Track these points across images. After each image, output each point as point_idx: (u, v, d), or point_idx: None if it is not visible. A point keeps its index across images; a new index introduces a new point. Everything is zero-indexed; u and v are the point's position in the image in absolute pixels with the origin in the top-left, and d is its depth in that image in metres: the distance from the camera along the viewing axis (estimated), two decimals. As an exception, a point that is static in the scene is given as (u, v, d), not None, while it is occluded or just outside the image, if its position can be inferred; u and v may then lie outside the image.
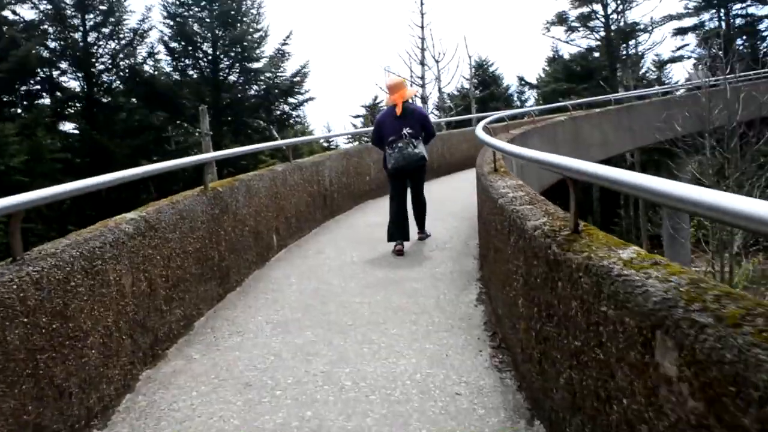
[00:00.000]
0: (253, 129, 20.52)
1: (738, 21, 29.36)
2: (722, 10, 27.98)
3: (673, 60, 30.68)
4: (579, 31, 29.70)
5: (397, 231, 7.20)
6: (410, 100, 7.41)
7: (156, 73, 20.34)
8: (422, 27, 27.54)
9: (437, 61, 27.27)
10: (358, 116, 45.31)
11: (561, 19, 29.44)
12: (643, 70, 33.12)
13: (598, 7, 28.66)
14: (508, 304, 3.93)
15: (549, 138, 13.26)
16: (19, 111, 17.25)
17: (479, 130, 7.03)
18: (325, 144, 32.27)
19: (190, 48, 20.20)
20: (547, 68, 37.98)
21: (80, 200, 16.34)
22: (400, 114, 7.05)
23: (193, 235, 5.31)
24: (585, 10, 28.87)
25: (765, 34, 29.00)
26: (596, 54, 31.02)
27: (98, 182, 4.20)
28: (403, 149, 6.98)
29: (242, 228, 6.48)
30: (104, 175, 4.40)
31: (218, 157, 5.99)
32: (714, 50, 21.64)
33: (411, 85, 9.36)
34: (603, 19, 28.54)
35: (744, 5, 27.96)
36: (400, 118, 7.04)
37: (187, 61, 20.57)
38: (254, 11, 21.01)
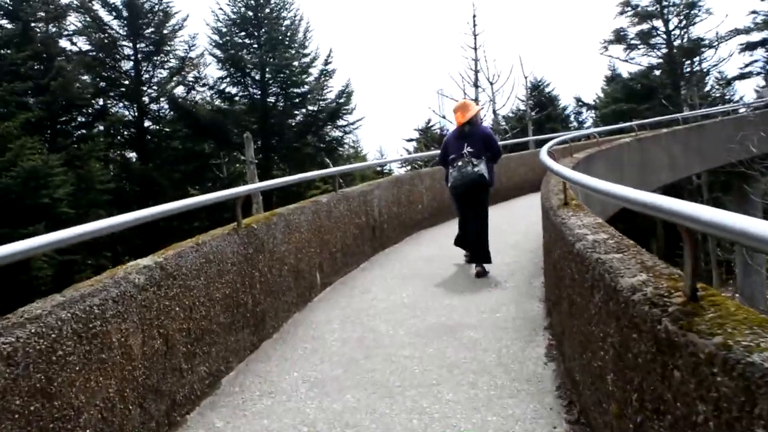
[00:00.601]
0: (303, 155, 20.08)
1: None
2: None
3: (741, 77, 29.07)
4: (639, 48, 28.42)
5: (461, 241, 7.61)
6: (478, 120, 7.51)
7: (203, 101, 20.23)
8: (475, 48, 26.91)
9: (491, 83, 26.54)
10: (411, 140, 44.68)
11: (619, 37, 28.23)
12: (707, 88, 31.69)
13: (658, 23, 27.47)
14: (590, 373, 3.19)
15: (615, 161, 12.37)
16: (70, 141, 17.21)
17: (545, 156, 6.30)
18: (378, 169, 31.83)
19: (238, 74, 20.01)
20: (606, 88, 36.77)
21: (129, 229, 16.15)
22: (463, 134, 7.12)
23: (222, 280, 4.72)
24: (645, 26, 27.66)
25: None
26: (657, 72, 29.73)
27: (116, 223, 3.69)
28: (462, 168, 6.98)
29: (280, 267, 5.88)
30: (126, 214, 3.90)
31: (251, 191, 5.43)
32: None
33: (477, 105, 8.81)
34: (664, 36, 27.29)
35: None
36: (463, 137, 7.10)
37: (234, 89, 20.44)
38: (301, 35, 20.78)
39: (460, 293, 6.30)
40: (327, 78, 21.30)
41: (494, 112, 27.16)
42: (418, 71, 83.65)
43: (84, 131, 18.26)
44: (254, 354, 5.09)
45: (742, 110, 22.24)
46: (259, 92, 20.04)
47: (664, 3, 27.11)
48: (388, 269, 7.82)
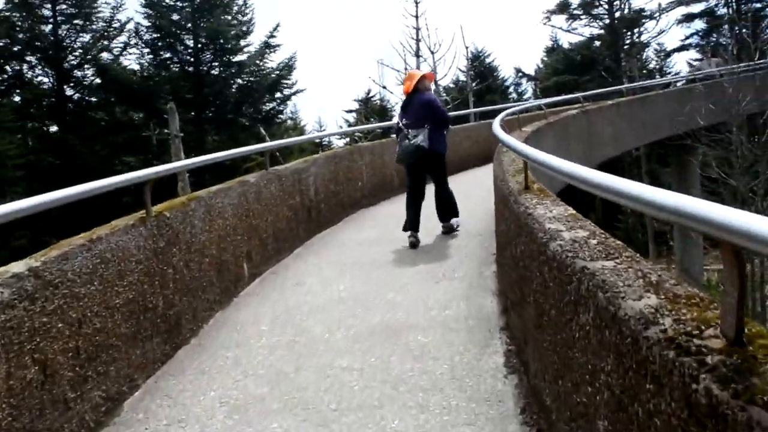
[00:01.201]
0: (239, 126, 18.96)
1: (745, 7, 27.96)
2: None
3: (680, 49, 29.18)
4: (581, 19, 28.10)
5: (408, 222, 7.13)
6: (424, 87, 7.12)
7: (132, 67, 18.84)
8: (416, 17, 26.12)
9: (433, 53, 25.84)
10: (350, 111, 43.77)
11: (563, 6, 27.86)
12: (646, 61, 31.79)
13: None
14: (569, 406, 2.58)
15: (561, 135, 11.90)
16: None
17: (498, 129, 5.71)
18: (317, 142, 30.83)
19: (169, 40, 18.60)
20: (546, 59, 36.59)
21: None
22: (407, 105, 6.98)
23: (124, 282, 3.94)
24: None
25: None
26: (598, 43, 29.54)
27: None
28: (401, 141, 6.85)
29: (200, 260, 5.12)
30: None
31: (162, 173, 4.62)
32: (727, 37, 20.29)
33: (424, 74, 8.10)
34: (606, 6, 27.00)
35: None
36: (404, 109, 6.99)
37: (165, 54, 18.97)
38: (239, 1, 19.53)
39: (404, 286, 5.65)
40: (270, 51, 20.18)
41: (436, 82, 26.51)
42: (357, 39, 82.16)
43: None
44: (167, 366, 4.35)
45: (680, 83, 22.25)
46: (192, 59, 18.74)
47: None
48: (325, 256, 7.12)
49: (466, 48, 28.39)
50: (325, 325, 4.81)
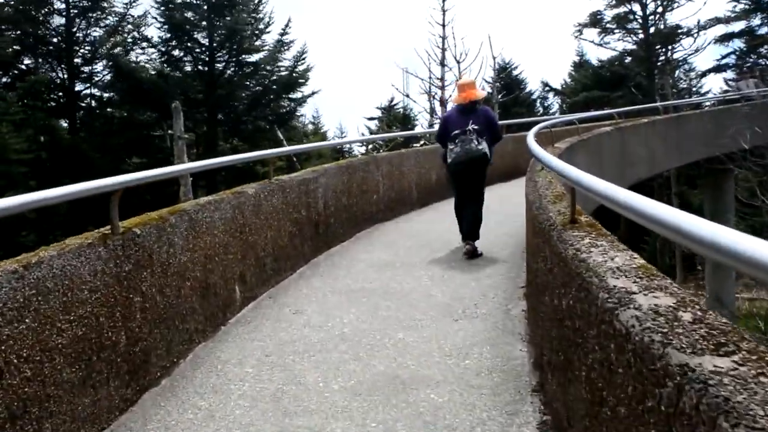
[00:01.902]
0: (254, 129, 18.27)
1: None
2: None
3: (716, 69, 27.98)
4: (614, 33, 27.03)
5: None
6: (479, 102, 7.15)
7: (143, 65, 18.17)
8: (443, 25, 25.41)
9: (459, 62, 25.12)
10: (372, 119, 43.12)
11: (595, 20, 26.86)
12: (680, 79, 30.79)
13: (636, 7, 26.10)
14: None
15: (595, 152, 11.07)
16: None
17: (535, 146, 4.96)
18: (340, 148, 30.14)
19: (183, 37, 17.96)
20: (574, 74, 35.64)
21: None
22: (466, 112, 6.90)
23: (70, 316, 3.21)
24: (622, 10, 26.23)
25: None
26: (628, 59, 28.52)
27: None
28: (465, 144, 6.78)
29: (179, 284, 4.38)
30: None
31: (130, 184, 3.88)
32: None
33: (482, 88, 8.81)
34: (641, 21, 25.95)
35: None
36: (467, 114, 6.88)
37: (178, 52, 18.35)
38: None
39: (417, 323, 4.86)
40: (284, 48, 19.47)
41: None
42: (381, 45, 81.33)
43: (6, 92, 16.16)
44: (126, 415, 3.60)
45: (707, 105, 21.28)
46: (207, 58, 18.09)
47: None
48: (331, 279, 6.34)
49: (494, 58, 27.67)
50: (321, 371, 4.03)
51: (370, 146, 23.63)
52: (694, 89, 32.19)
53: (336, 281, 6.23)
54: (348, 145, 27.62)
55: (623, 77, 29.41)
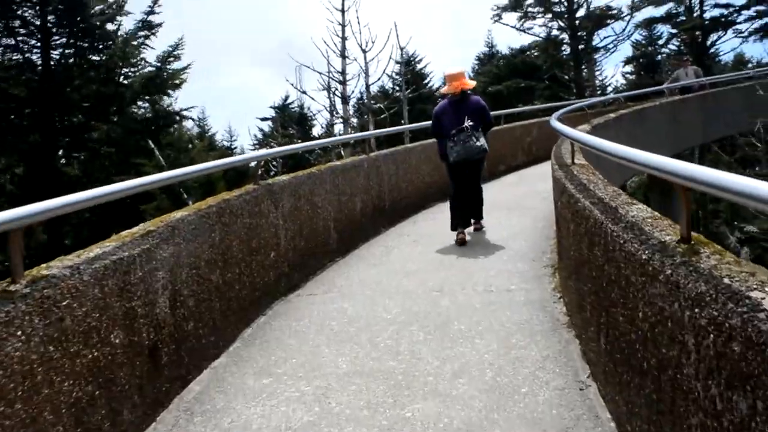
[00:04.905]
0: (104, 140, 13.65)
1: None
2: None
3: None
4: (536, 17, 24.05)
5: (459, 220, 7.20)
6: (469, 92, 7.13)
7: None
8: (342, 11, 21.75)
9: (365, 51, 21.54)
10: (265, 119, 38.83)
11: (516, 3, 23.67)
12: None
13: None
14: None
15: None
16: None
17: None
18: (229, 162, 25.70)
19: (6, 15, 12.92)
20: (477, 66, 33.03)
21: None
22: (460, 105, 6.96)
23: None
24: None
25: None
26: (547, 48, 25.84)
27: None
28: (465, 142, 6.78)
29: None
30: None
31: None
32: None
33: (469, 78, 8.03)
34: (566, 3, 23.01)
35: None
36: (460, 109, 6.93)
37: None
38: None
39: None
40: (149, 32, 15.05)
41: (367, 86, 22.17)
42: (275, 37, 75.88)
43: None
44: None
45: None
46: (39, 44, 13.32)
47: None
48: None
49: (401, 49, 24.21)
50: None
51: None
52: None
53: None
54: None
55: (538, 68, 26.89)
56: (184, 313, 3.94)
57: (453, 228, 7.17)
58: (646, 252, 2.37)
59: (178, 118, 17.10)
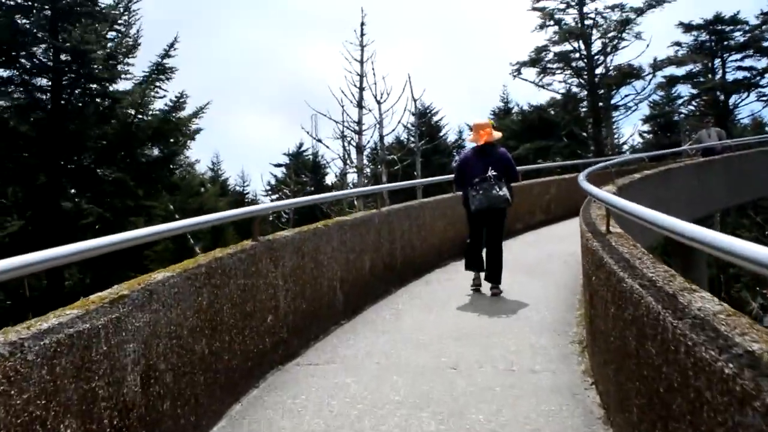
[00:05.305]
0: (111, 182, 13.28)
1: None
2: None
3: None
4: (555, 74, 23.76)
5: (474, 263, 7.30)
6: (495, 143, 7.15)
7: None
8: (361, 62, 21.66)
9: (379, 102, 21.39)
10: (279, 165, 38.72)
11: (537, 58, 23.39)
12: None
13: (580, 44, 22.83)
14: None
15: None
16: None
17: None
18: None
19: (13, 52, 12.69)
20: (494, 121, 32.70)
21: None
22: (484, 155, 6.99)
23: None
24: (566, 48, 22.89)
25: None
26: (566, 105, 25.49)
27: None
28: (488, 191, 6.79)
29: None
30: None
31: None
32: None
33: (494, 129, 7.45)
34: (585, 60, 22.72)
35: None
36: (485, 158, 6.96)
37: (4, 72, 12.99)
38: (120, 4, 13.96)
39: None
40: (163, 77, 14.82)
41: (381, 137, 21.89)
42: (292, 84, 76.45)
43: None
44: None
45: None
46: (49, 84, 13.08)
47: (589, 20, 22.60)
48: None
49: (415, 101, 23.93)
50: None
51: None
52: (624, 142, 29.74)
53: None
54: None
55: (555, 125, 26.51)
56: (160, 391, 3.40)
57: (467, 268, 7.38)
58: (730, 365, 1.83)
59: (186, 162, 16.76)
